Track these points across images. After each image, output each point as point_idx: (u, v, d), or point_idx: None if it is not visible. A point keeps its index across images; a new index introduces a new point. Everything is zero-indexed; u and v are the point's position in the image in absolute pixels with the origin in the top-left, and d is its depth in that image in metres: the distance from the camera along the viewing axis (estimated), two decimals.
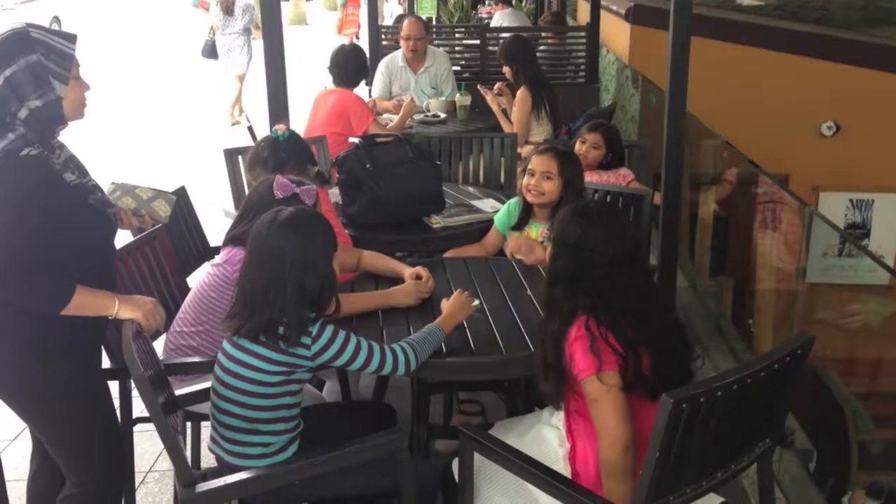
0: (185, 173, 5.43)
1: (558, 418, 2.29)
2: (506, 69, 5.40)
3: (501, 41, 6.09)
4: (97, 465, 2.39)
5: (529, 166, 3.22)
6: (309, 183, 2.70)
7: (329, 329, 2.16)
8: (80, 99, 2.26)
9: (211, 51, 10.46)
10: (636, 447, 1.99)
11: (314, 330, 2.14)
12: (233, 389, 2.18)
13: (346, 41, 7.40)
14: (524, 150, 4.71)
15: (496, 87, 5.50)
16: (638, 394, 2.02)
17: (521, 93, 5.18)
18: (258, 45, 3.82)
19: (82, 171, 2.31)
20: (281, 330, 2.11)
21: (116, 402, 2.87)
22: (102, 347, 2.51)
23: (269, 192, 2.60)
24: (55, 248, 2.13)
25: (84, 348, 2.35)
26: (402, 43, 5.87)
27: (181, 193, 3.55)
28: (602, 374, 1.99)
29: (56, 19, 18.72)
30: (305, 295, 2.13)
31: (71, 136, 2.32)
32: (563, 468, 2.16)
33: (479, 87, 5.58)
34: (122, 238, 2.99)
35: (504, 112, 5.35)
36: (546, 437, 2.27)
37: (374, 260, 3.00)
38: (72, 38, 2.21)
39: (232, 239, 2.69)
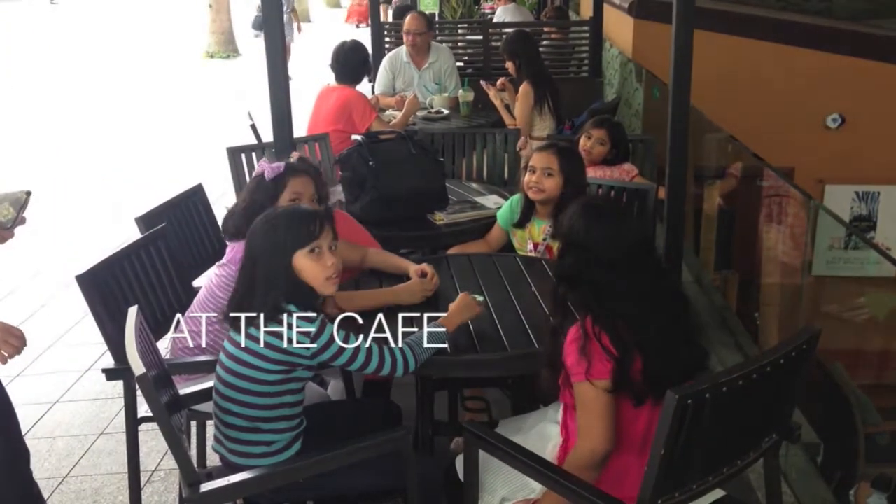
0: (202, 170, 5.43)
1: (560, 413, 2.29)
2: (508, 64, 5.39)
3: (505, 36, 6.07)
4: None
5: (530, 163, 3.21)
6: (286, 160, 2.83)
7: (329, 329, 2.15)
8: None
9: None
10: (618, 445, 2.00)
11: (313, 329, 2.13)
12: (234, 389, 2.18)
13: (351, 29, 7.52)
14: (520, 142, 4.68)
15: (499, 82, 5.48)
16: (624, 397, 2.00)
17: (524, 88, 5.16)
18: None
19: None
20: (263, 324, 2.11)
21: (121, 402, 2.89)
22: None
23: (256, 179, 2.77)
24: None
25: None
26: (403, 37, 5.86)
27: (195, 194, 3.53)
28: (593, 379, 1.97)
29: None
30: (271, 289, 2.14)
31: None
32: (551, 460, 2.14)
33: (481, 82, 5.57)
34: (126, 237, 3.00)
35: (507, 108, 5.34)
36: (550, 434, 2.26)
37: (379, 257, 2.99)
38: None
39: (233, 234, 2.71)
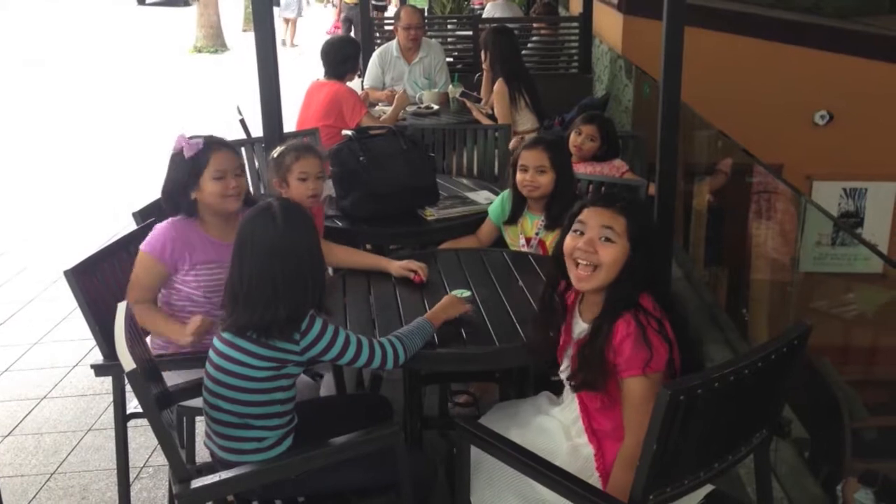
0: None
1: (559, 409, 2.28)
2: (482, 54, 5.46)
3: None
4: None
5: (521, 162, 3.21)
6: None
7: (318, 323, 2.15)
8: None
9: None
10: None
11: (303, 324, 2.12)
12: (222, 385, 2.17)
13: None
14: (513, 142, 4.69)
15: (481, 78, 5.53)
16: None
17: (498, 86, 5.21)
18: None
19: None
20: (270, 325, 2.09)
21: (109, 398, 2.87)
22: None
23: (174, 158, 2.69)
24: None
25: None
26: (401, 33, 5.81)
27: None
28: (650, 373, 1.96)
29: None
30: (296, 289, 2.12)
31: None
32: (567, 463, 2.10)
33: (466, 102, 5.52)
34: (115, 233, 2.98)
35: (490, 117, 5.32)
36: (549, 429, 2.25)
37: (350, 255, 3.01)
38: None
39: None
